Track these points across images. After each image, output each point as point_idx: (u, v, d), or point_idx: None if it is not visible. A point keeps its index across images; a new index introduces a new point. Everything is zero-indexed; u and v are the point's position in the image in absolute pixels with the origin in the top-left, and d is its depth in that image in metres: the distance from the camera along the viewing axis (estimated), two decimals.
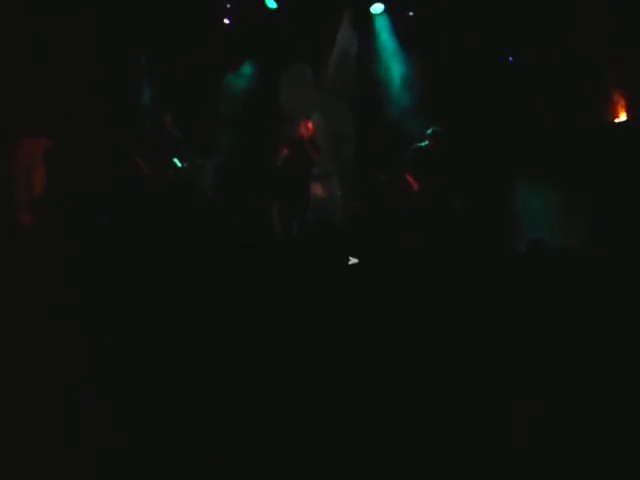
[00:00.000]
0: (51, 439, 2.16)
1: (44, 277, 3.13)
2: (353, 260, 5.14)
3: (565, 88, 6.52)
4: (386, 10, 7.68)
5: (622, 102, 6.27)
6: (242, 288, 3.30)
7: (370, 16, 7.78)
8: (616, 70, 6.27)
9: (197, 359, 2.72)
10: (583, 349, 2.75)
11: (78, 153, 6.04)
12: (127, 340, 2.76)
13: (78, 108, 6.05)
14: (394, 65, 7.79)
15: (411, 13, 7.59)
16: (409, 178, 6.48)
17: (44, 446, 2.12)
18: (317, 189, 7.41)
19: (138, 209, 6.25)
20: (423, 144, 6.50)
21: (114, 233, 4.69)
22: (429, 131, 6.49)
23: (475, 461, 2.22)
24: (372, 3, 7.66)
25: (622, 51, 6.08)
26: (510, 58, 7.36)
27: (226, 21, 7.84)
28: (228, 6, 7.77)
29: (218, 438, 2.31)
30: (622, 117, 6.33)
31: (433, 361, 2.74)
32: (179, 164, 6.65)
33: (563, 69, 6.51)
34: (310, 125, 6.61)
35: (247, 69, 8.05)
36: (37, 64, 5.82)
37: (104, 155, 6.41)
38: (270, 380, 2.60)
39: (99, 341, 2.66)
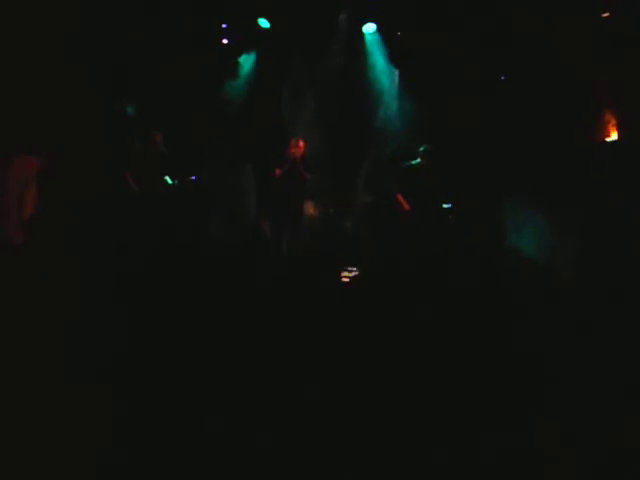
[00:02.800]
0: (51, 439, 2.15)
1: (41, 288, 3.18)
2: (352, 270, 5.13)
3: (556, 107, 6.52)
4: (378, 30, 7.77)
5: (613, 121, 6.26)
6: (235, 301, 3.37)
7: (362, 35, 7.87)
8: (606, 89, 6.27)
9: (197, 359, 2.75)
10: (576, 365, 2.78)
11: (70, 170, 6.03)
12: (126, 342, 2.79)
13: (70, 123, 6.04)
14: (385, 82, 7.85)
15: (399, 33, 7.65)
16: (400, 198, 6.43)
17: (44, 446, 2.11)
18: (309, 208, 7.40)
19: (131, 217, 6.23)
20: (414, 162, 6.48)
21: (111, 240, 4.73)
22: (421, 149, 6.47)
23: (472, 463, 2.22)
24: (364, 23, 7.74)
25: (612, 68, 6.08)
26: (502, 77, 7.39)
27: (225, 41, 7.91)
28: (224, 26, 7.85)
29: (217, 438, 2.30)
30: (613, 136, 6.32)
31: (423, 377, 2.74)
32: (170, 181, 6.66)
33: (553, 89, 6.52)
34: (301, 144, 6.61)
35: (241, 83, 8.14)
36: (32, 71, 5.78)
37: (97, 170, 6.38)
38: (268, 380, 2.62)
39: (99, 341, 2.69)
